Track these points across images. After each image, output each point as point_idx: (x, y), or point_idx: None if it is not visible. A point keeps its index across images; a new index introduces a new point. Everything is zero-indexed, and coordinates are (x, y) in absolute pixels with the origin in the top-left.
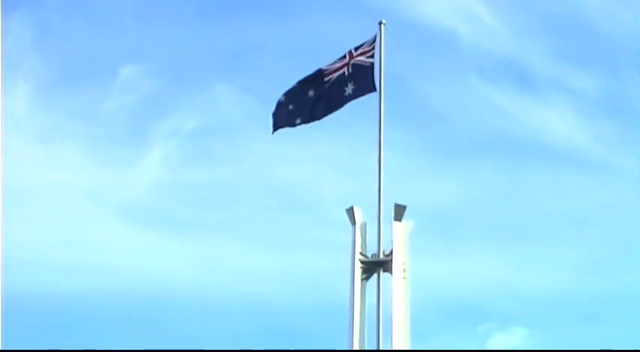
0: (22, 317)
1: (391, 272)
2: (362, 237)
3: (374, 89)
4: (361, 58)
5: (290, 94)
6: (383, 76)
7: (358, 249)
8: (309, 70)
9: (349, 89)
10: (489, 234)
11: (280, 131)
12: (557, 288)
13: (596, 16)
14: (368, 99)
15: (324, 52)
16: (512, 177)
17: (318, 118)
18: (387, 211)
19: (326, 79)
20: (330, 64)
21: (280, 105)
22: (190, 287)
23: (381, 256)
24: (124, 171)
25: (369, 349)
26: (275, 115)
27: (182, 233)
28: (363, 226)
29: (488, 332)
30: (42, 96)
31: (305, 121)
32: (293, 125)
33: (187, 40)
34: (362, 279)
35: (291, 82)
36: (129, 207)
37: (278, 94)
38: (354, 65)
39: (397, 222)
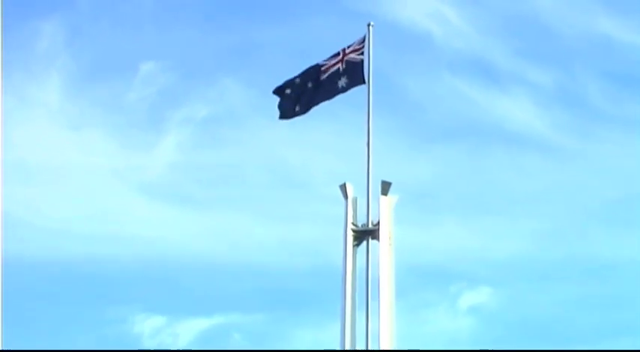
0: (50, 281)
1: (378, 240)
2: (353, 209)
3: (364, 82)
4: (352, 55)
5: (292, 86)
6: (371, 70)
7: (350, 220)
8: (306, 66)
9: (342, 82)
10: (461, 208)
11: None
12: (517, 254)
13: (552, 18)
14: (354, 92)
15: (319, 50)
16: (480, 159)
17: (313, 107)
18: (375, 187)
19: (323, 74)
20: (326, 60)
21: (285, 96)
22: (201, 253)
23: (370, 226)
24: (143, 154)
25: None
26: (281, 105)
27: (194, 207)
28: (354, 200)
29: (459, 290)
30: (73, 88)
31: (302, 111)
32: (294, 114)
33: (199, 40)
34: (353, 246)
35: (289, 76)
36: (148, 185)
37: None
38: (347, 61)
39: (384, 197)
